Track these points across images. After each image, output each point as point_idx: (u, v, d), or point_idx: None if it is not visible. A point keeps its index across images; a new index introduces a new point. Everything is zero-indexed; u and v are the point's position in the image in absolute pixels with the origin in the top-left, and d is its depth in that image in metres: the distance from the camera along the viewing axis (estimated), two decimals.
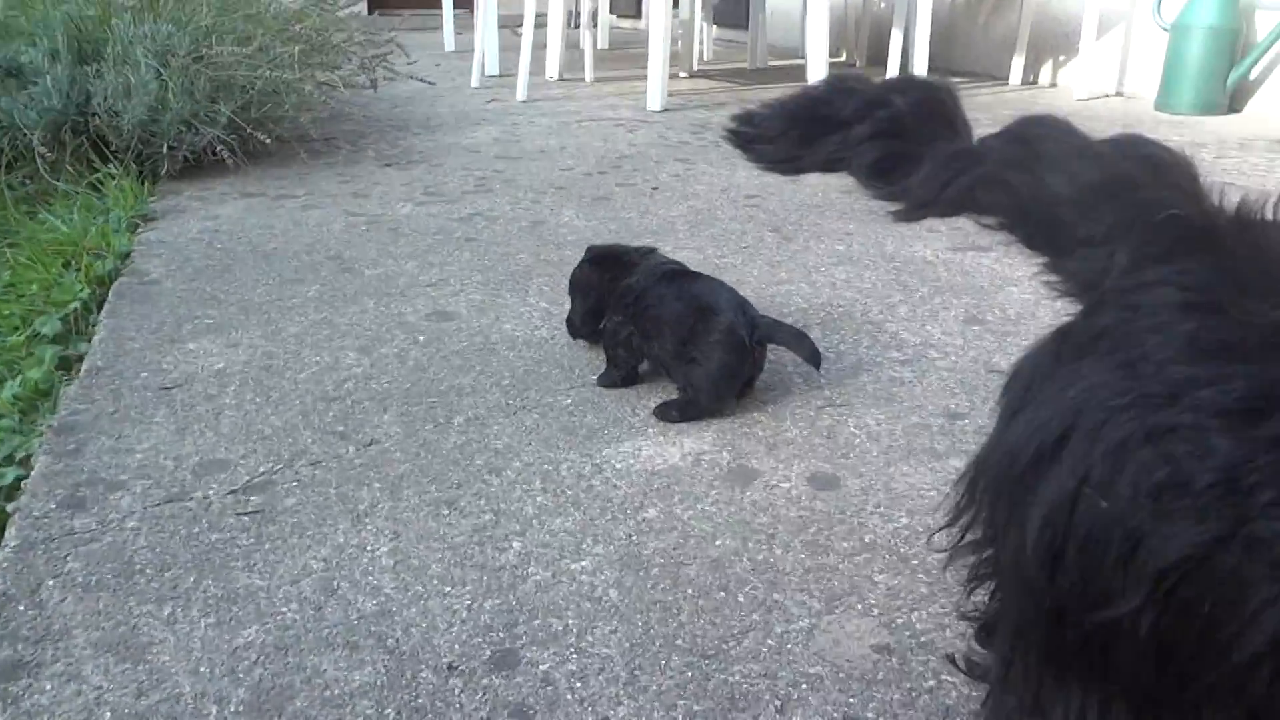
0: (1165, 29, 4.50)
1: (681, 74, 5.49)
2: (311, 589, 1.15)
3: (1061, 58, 5.32)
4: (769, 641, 1.06)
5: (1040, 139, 0.77)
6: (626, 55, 6.61)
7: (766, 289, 2.14)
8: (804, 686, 0.99)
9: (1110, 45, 5.00)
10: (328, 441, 1.49)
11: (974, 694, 0.98)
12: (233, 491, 1.35)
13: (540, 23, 4.91)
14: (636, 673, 1.01)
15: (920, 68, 4.73)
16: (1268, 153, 3.62)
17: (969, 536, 0.94)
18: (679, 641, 1.06)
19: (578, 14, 5.84)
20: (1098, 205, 0.72)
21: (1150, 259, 0.68)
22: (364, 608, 1.12)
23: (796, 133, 0.92)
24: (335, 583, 1.16)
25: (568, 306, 1.82)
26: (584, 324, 1.79)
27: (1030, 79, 5.45)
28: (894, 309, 2.03)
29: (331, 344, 1.85)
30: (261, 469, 1.41)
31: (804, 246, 2.45)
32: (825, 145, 0.88)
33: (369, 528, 1.27)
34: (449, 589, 1.15)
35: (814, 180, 3.10)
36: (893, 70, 5.25)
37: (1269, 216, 0.68)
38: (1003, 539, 0.76)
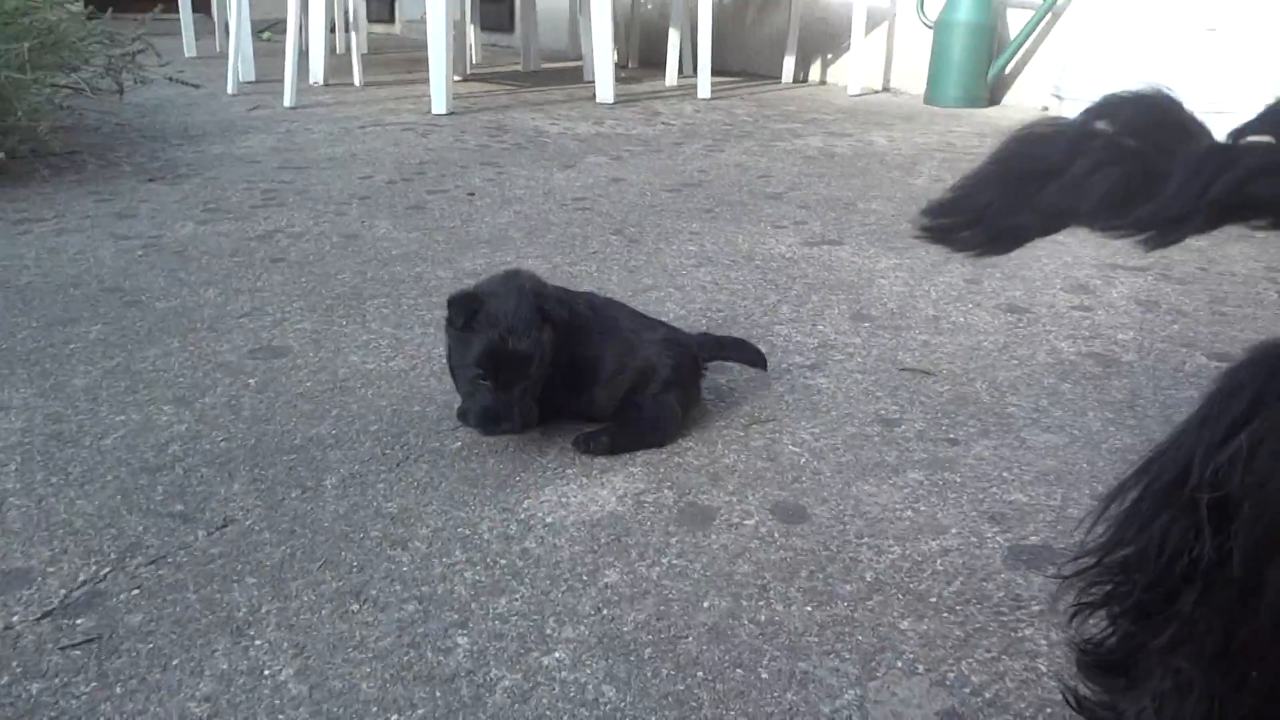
0: (929, 26, 4.70)
1: (456, 77, 5.20)
2: None
3: (830, 56, 5.48)
4: None
5: None
6: (389, 60, 6.22)
7: (635, 297, 1.94)
8: None
9: (876, 43, 5.19)
10: (166, 527, 1.15)
11: None
12: (47, 615, 1.00)
13: (282, 28, 4.49)
14: None
15: (704, 68, 4.71)
16: None
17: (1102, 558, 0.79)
18: None
19: (332, 18, 5.41)
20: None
21: None
22: None
23: (1003, 201, 0.72)
24: None
25: (423, 338, 1.55)
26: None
27: (801, 77, 5.58)
28: (776, 309, 1.90)
29: (136, 397, 1.48)
30: (81, 577, 1.06)
31: (655, 249, 2.28)
32: (1043, 200, 0.69)
33: (258, 643, 0.96)
34: (396, 716, 0.87)
35: (637, 180, 2.95)
36: (671, 72, 5.21)
37: None
38: (1255, 579, 0.61)
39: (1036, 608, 1.03)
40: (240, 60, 4.60)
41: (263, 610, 1.01)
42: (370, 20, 7.08)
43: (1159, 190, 0.62)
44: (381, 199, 2.68)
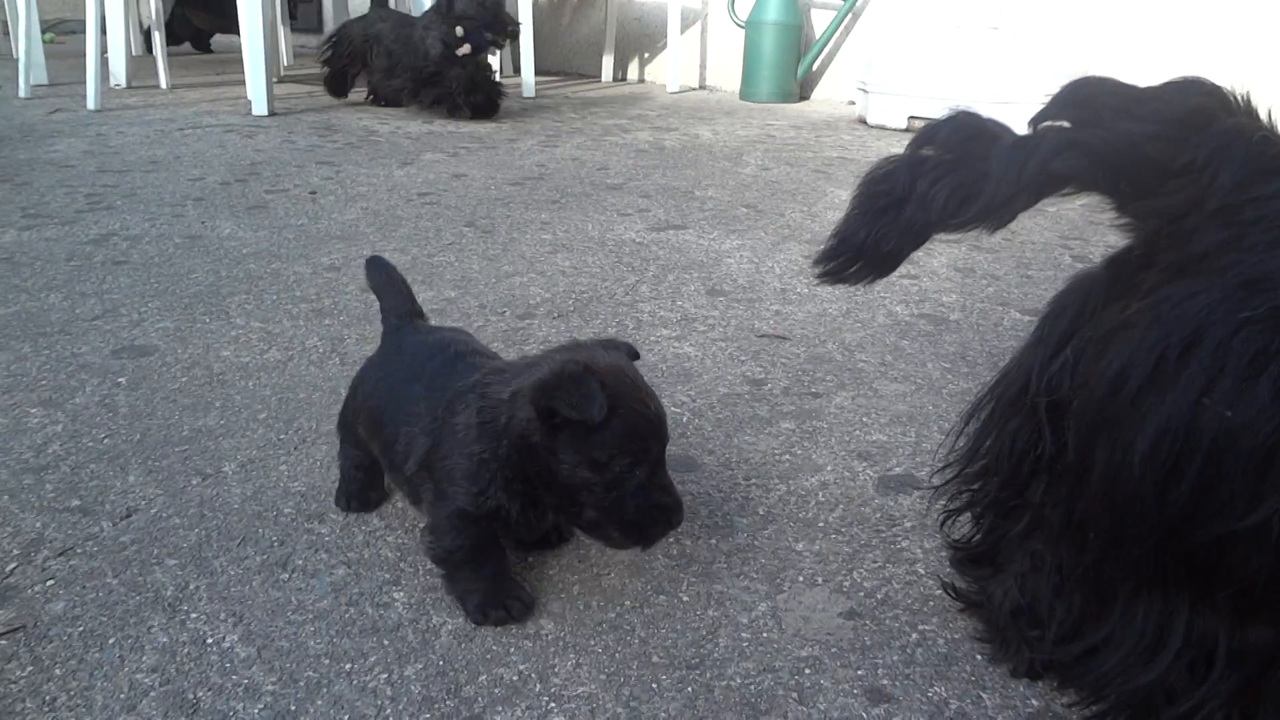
0: (740, 26, 4.95)
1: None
2: (160, 713, 0.86)
3: (647, 55, 5.65)
4: (743, 635, 0.97)
5: (1095, 98, 0.76)
6: (193, 61, 5.96)
7: (499, 284, 2.00)
8: (808, 671, 0.92)
9: (691, 42, 5.40)
10: (67, 521, 1.14)
11: (960, 635, 0.97)
12: None
13: (71, 29, 4.26)
14: (634, 704, 0.87)
15: (527, 68, 4.78)
16: (828, 130, 4.11)
17: (965, 469, 0.92)
18: (655, 659, 0.94)
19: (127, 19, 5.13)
20: (1182, 139, 0.72)
21: (1260, 175, 0.68)
22: (249, 717, 0.86)
23: (873, 235, 0.86)
24: (189, 694, 0.88)
25: (294, 330, 1.56)
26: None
27: (620, 76, 5.73)
28: (636, 289, 2.00)
29: None
30: None
31: (510, 238, 2.34)
32: (902, 223, 0.83)
33: (195, 616, 0.98)
34: (349, 665, 0.92)
35: (478, 175, 3.00)
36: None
37: None
38: (1085, 453, 0.74)
39: (909, 524, 1.17)
40: (31, 62, 4.32)
41: (191, 587, 1.03)
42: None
43: (985, 186, 0.77)
44: (218, 200, 2.62)
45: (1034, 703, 0.89)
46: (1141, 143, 0.74)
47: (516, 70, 5.11)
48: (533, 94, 4.81)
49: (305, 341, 1.68)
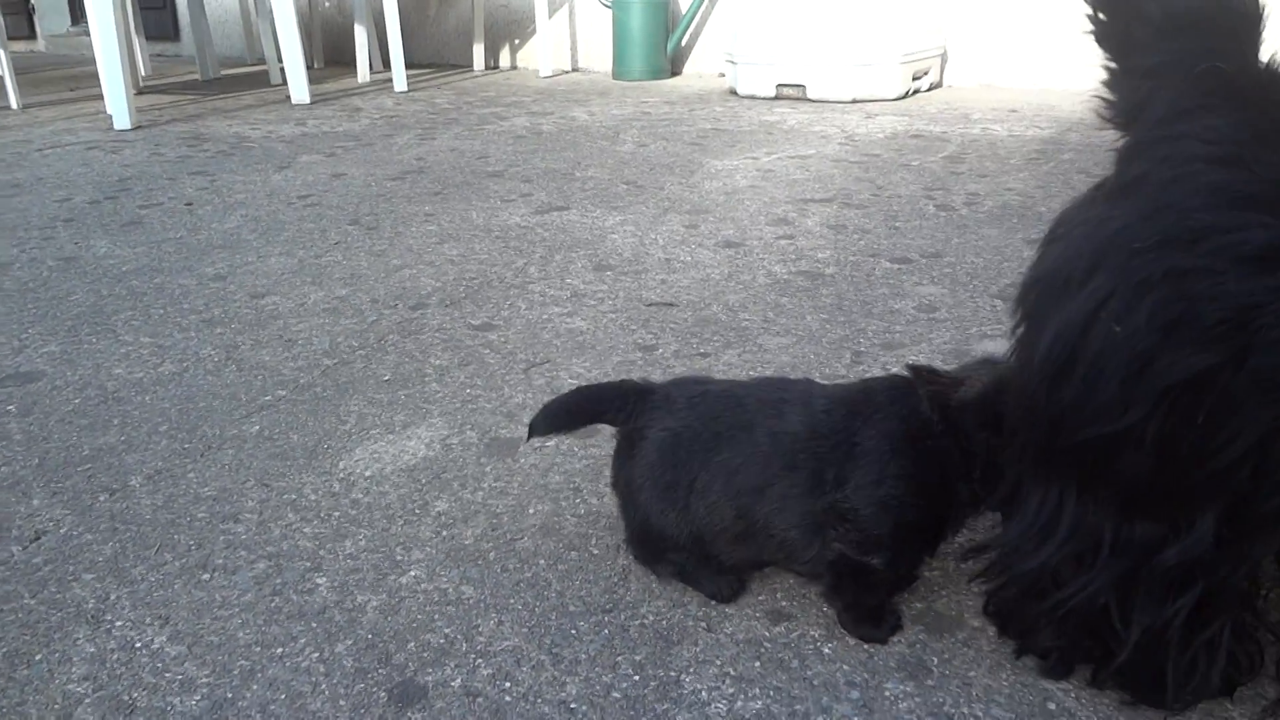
0: (607, 6, 5.00)
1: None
2: (97, 717, 0.88)
3: (518, 41, 5.66)
4: (652, 578, 1.04)
5: None
6: (43, 79, 5.72)
7: (389, 278, 2.03)
8: (714, 603, 0.99)
9: (560, 26, 5.43)
10: None
11: None
12: None
13: None
14: (555, 650, 0.94)
15: (397, 62, 4.74)
16: (700, 103, 4.21)
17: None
18: (571, 608, 1.00)
19: None
20: (1166, 38, 0.76)
21: (1183, 112, 0.74)
22: (187, 710, 0.89)
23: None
24: (125, 696, 0.91)
25: (186, 342, 1.56)
26: None
27: (492, 64, 5.72)
28: (525, 271, 2.05)
29: None
30: None
31: (396, 232, 2.36)
32: None
33: (120, 624, 1.00)
34: (280, 650, 0.96)
35: (358, 173, 2.99)
36: (362, 68, 5.19)
37: None
38: (1018, 353, 0.83)
39: None
40: None
41: (112, 598, 1.05)
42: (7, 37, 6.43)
43: None
44: (89, 219, 2.56)
45: (917, 605, 0.98)
46: (1141, 24, 0.77)
47: (386, 65, 5.06)
48: (405, 88, 4.78)
49: (199, 352, 1.68)
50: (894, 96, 4.03)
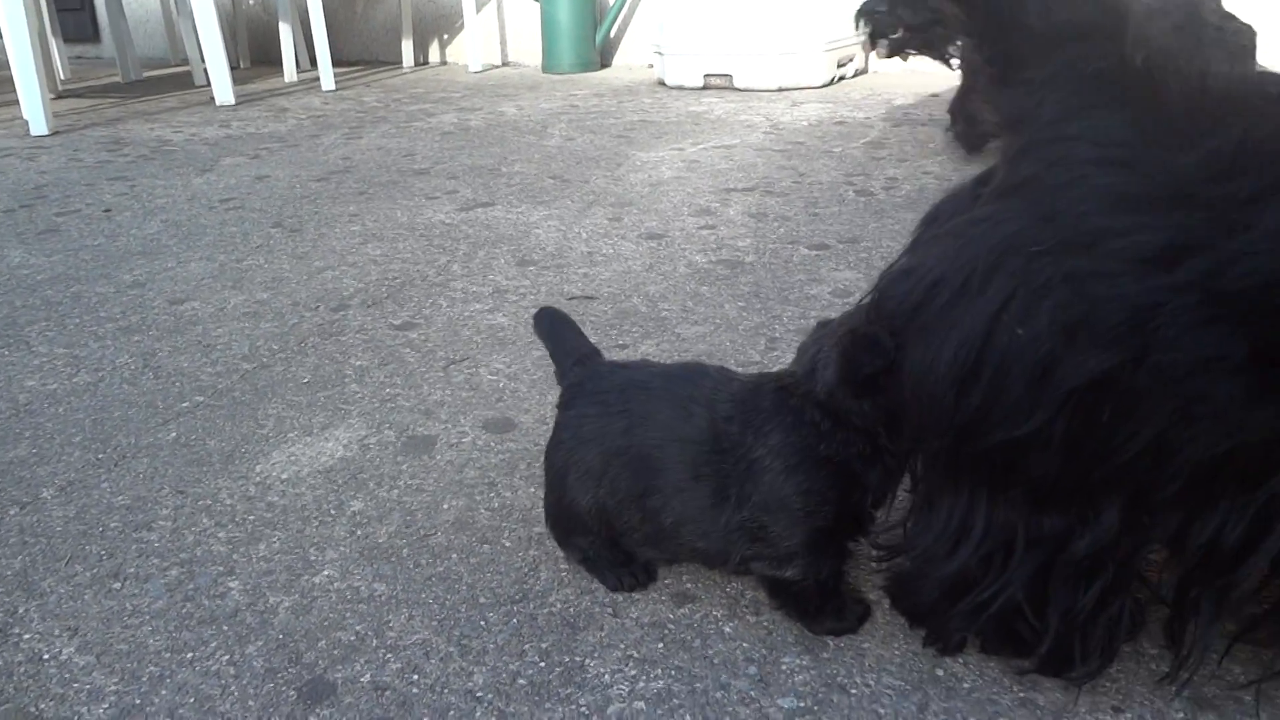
0: (535, 0, 4.99)
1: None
2: None
3: (446, 36, 5.63)
4: (562, 568, 1.06)
5: None
6: None
7: (311, 280, 2.02)
8: (614, 594, 1.02)
9: (489, 20, 5.41)
10: None
11: None
12: None
13: None
14: (465, 641, 0.96)
15: (324, 60, 4.69)
16: (629, 95, 4.24)
17: None
18: (481, 600, 1.02)
19: None
20: (1051, 48, 0.78)
21: (1070, 113, 0.76)
22: (95, 718, 0.89)
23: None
24: (31, 708, 0.91)
25: (102, 351, 1.55)
26: None
27: (422, 60, 5.68)
28: (448, 269, 2.06)
29: None
30: None
31: (319, 234, 2.35)
32: None
33: (28, 636, 1.00)
34: (190, 655, 0.96)
35: (282, 175, 2.97)
36: (289, 67, 5.12)
37: (1177, 70, 0.76)
38: (902, 359, 0.83)
39: None
40: None
41: (20, 611, 1.04)
42: None
43: None
44: (3, 229, 2.51)
45: None
46: (1023, 37, 0.79)
47: (313, 63, 5.00)
48: (333, 86, 4.74)
49: (115, 360, 1.67)
50: (820, 84, 4.09)
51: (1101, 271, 0.71)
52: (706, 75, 4.19)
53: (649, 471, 0.93)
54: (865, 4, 0.94)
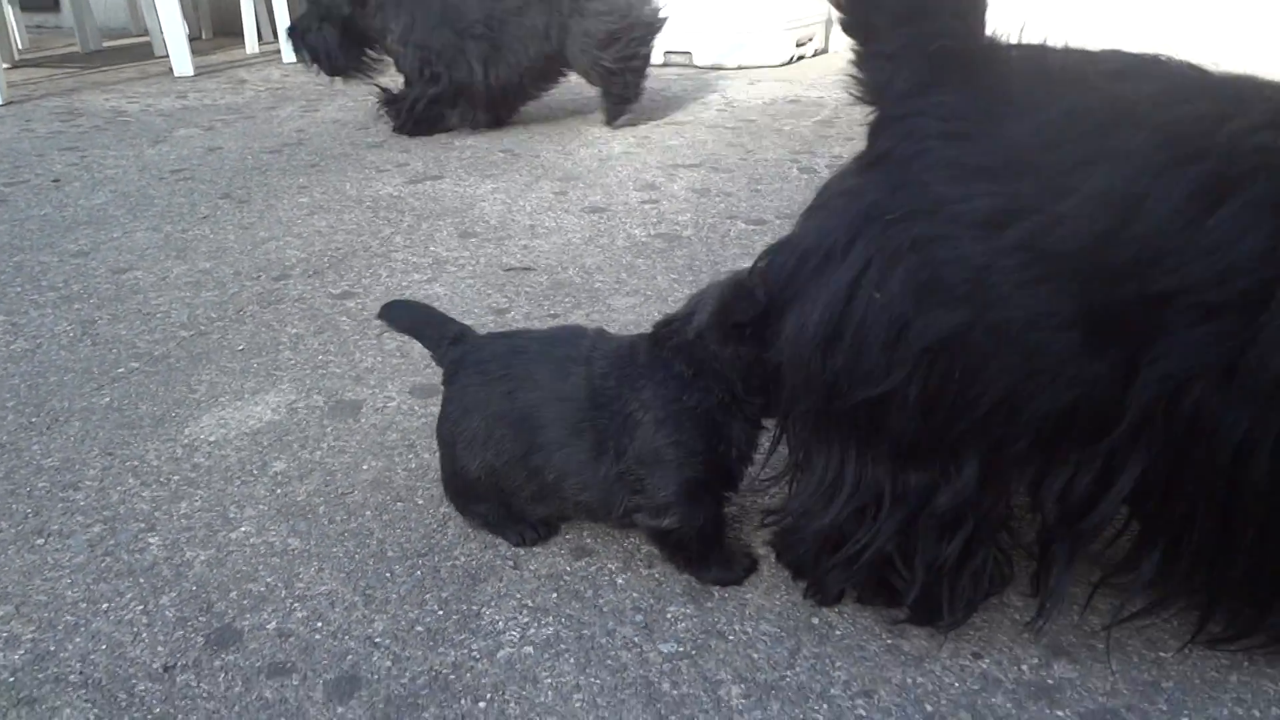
0: None
1: (4, 65, 4.74)
2: None
3: None
4: (468, 528, 1.10)
5: None
6: None
7: (255, 250, 2.05)
8: (516, 548, 1.06)
9: None
10: None
11: None
12: None
13: None
14: (370, 592, 1.00)
15: (284, 33, 4.66)
16: None
17: None
18: (389, 553, 1.06)
19: None
20: (902, 24, 0.83)
21: (919, 89, 0.81)
22: (9, 664, 0.93)
23: None
24: None
25: (41, 319, 1.57)
26: None
27: None
28: (390, 240, 2.09)
29: None
30: None
31: (267, 205, 2.37)
32: None
33: None
34: (106, 605, 1.00)
35: (235, 146, 2.98)
36: (250, 39, 5.09)
37: (1016, 46, 0.83)
38: (780, 324, 0.88)
39: None
40: None
41: None
42: None
43: None
44: None
45: None
46: (882, 11, 0.84)
47: (275, 35, 4.97)
48: (294, 59, 4.70)
49: (54, 328, 1.69)
50: (779, 63, 4.12)
51: (944, 235, 0.76)
52: (666, 52, 4.21)
53: (530, 431, 0.98)
54: None
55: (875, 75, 0.86)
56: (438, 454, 1.09)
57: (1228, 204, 0.71)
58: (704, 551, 0.98)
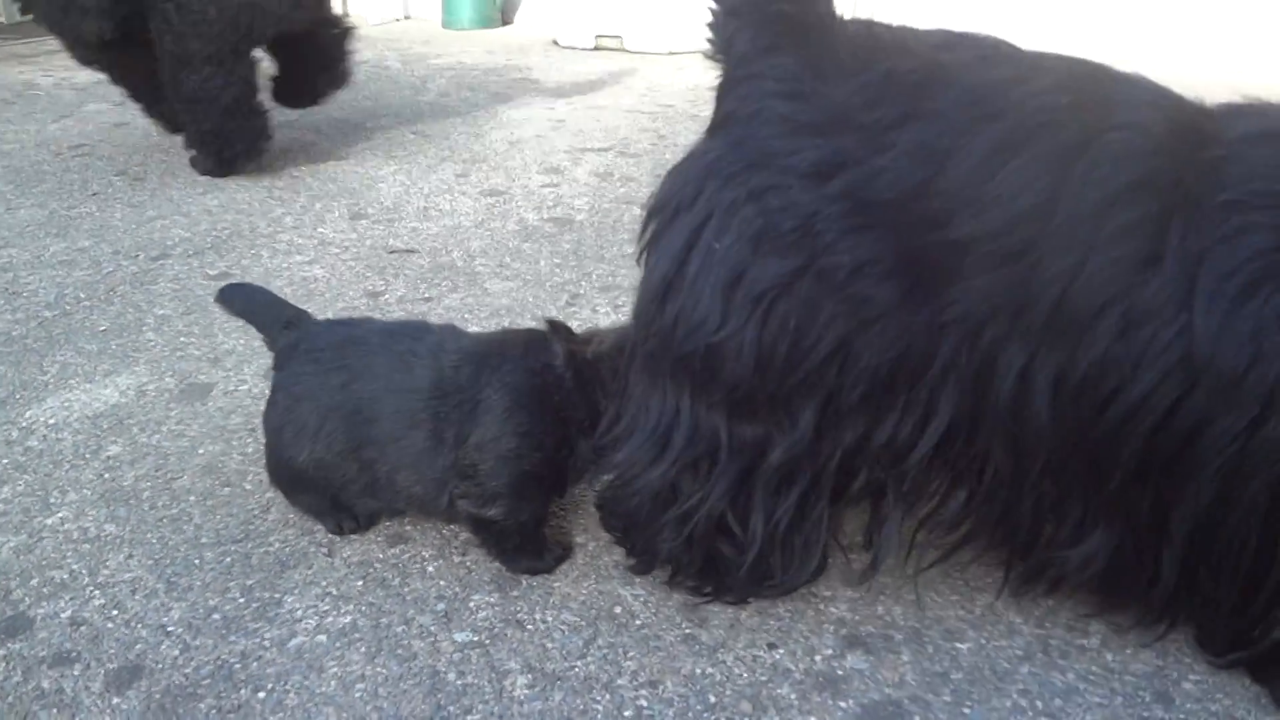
0: None
1: None
2: None
3: None
4: (291, 510, 1.09)
5: None
6: None
7: (139, 229, 2.01)
8: (333, 535, 1.05)
9: None
10: None
11: None
12: None
13: None
14: (175, 579, 0.98)
15: None
16: (520, 54, 4.22)
17: None
18: (203, 540, 1.05)
19: None
20: None
21: (758, 52, 0.84)
22: None
23: None
24: None
25: None
26: None
27: None
28: (280, 220, 2.06)
29: None
30: None
31: (161, 183, 2.32)
32: None
33: None
34: None
35: (145, 122, 2.91)
36: None
37: (850, 19, 0.87)
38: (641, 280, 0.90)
39: None
40: None
41: None
42: None
43: None
44: None
45: None
46: None
47: None
48: None
49: None
50: None
51: (776, 185, 0.80)
52: (598, 36, 4.19)
53: (365, 424, 0.96)
54: None
55: (721, 34, 0.89)
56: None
57: (1018, 158, 0.77)
58: (520, 543, 0.98)
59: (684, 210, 0.84)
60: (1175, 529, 0.79)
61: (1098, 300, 0.74)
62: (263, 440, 1.20)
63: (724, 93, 0.88)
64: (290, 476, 1.03)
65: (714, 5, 0.90)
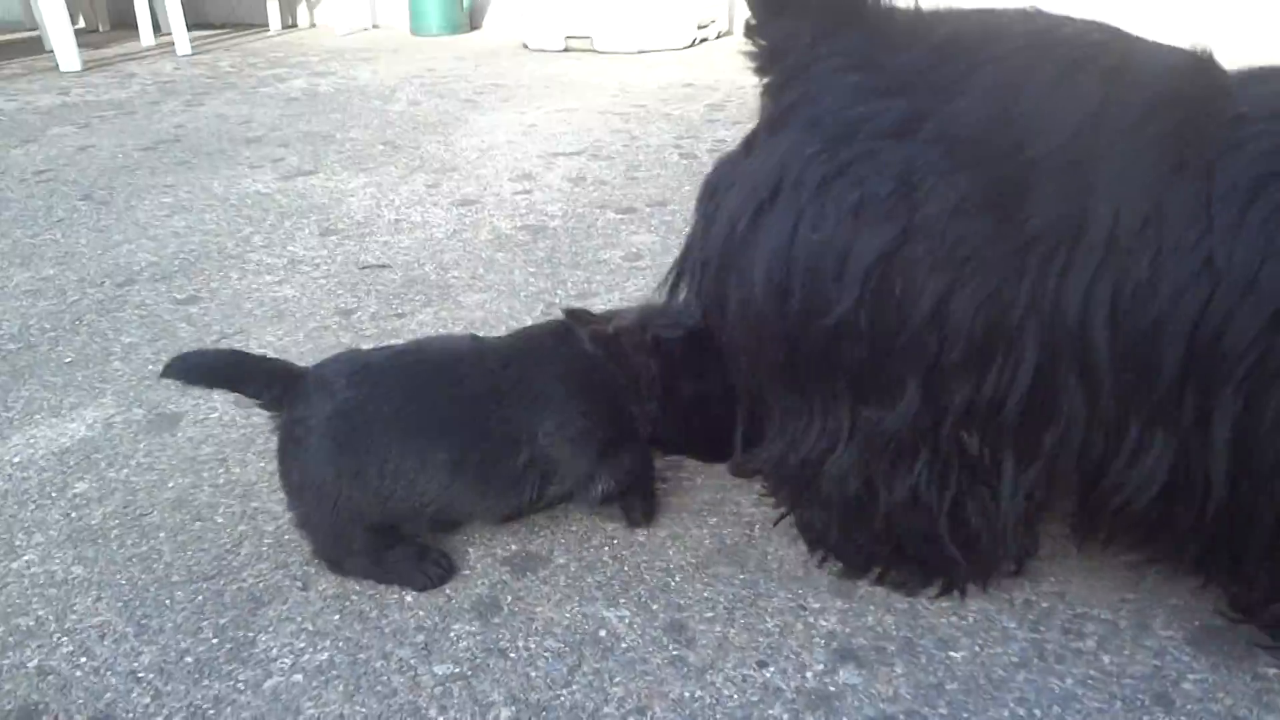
0: None
1: None
2: None
3: None
4: (265, 542, 1.06)
5: None
6: None
7: (105, 254, 1.97)
8: (318, 563, 1.02)
9: None
10: None
11: None
12: None
13: None
14: (145, 621, 0.95)
15: (177, 24, 4.53)
16: (490, 58, 4.19)
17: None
18: (174, 578, 1.02)
19: None
20: None
21: (820, 37, 0.86)
22: None
23: None
24: None
25: None
26: None
27: (290, 22, 5.52)
28: (249, 240, 2.02)
29: None
30: None
31: (127, 206, 2.28)
32: None
33: None
34: None
35: (108, 144, 2.87)
36: (145, 31, 4.94)
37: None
38: (721, 293, 0.89)
39: None
40: None
41: None
42: None
43: None
44: None
45: (512, 546, 1.03)
46: None
47: (167, 28, 4.81)
48: (189, 51, 4.57)
49: None
50: (680, 46, 4.08)
51: (863, 153, 0.80)
52: (568, 37, 4.16)
53: (438, 440, 0.95)
54: None
55: (771, 35, 0.91)
56: (256, 459, 1.05)
57: (1074, 80, 0.80)
58: (645, 499, 1.06)
59: (769, 205, 0.83)
60: (1217, 437, 0.78)
61: (1142, 206, 0.76)
62: (234, 471, 1.17)
63: (779, 90, 0.89)
64: (346, 530, 0.96)
65: (762, 12, 0.92)
